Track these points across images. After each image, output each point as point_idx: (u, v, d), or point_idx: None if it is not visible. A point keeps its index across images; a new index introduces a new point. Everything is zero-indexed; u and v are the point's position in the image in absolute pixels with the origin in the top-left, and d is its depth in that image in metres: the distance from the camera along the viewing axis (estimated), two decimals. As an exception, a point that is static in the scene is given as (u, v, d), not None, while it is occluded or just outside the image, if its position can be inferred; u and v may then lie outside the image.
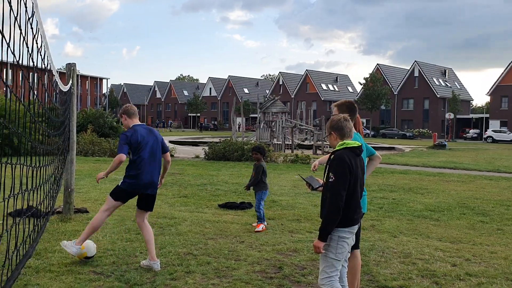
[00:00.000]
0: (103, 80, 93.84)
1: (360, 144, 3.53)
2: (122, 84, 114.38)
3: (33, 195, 3.79)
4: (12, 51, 2.14)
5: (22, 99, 2.91)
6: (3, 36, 1.93)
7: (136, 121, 5.24)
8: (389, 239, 6.62)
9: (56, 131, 6.40)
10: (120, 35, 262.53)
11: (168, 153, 5.38)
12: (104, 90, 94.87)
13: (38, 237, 3.18)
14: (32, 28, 2.79)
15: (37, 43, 3.03)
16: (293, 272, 5.08)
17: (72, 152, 7.80)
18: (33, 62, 2.98)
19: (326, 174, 3.44)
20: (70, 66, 7.59)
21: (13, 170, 2.99)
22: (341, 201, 3.29)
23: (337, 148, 3.47)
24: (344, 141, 3.48)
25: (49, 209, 4.80)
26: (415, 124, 68.51)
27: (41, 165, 3.54)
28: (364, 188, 3.69)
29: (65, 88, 6.41)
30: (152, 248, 5.09)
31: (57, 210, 7.76)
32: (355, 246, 3.86)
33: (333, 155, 3.45)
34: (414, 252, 5.94)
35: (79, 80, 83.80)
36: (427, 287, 4.71)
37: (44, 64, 3.79)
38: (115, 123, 30.38)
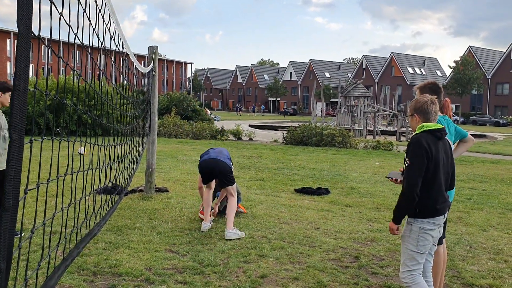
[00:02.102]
0: (188, 64, 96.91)
1: (442, 126, 3.21)
2: (205, 68, 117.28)
3: (102, 173, 3.89)
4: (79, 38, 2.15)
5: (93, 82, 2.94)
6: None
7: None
8: (478, 233, 6.13)
9: (134, 112, 6.59)
10: (204, 21, 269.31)
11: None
12: (189, 75, 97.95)
13: (108, 215, 3.24)
14: (103, 18, 2.84)
15: (109, 31, 3.09)
16: (370, 263, 4.84)
17: (153, 133, 8.03)
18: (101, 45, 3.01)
19: (404, 160, 3.20)
20: (152, 49, 7.77)
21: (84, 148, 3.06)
22: (416, 188, 3.06)
23: (416, 132, 3.21)
24: (423, 123, 3.20)
25: (120, 189, 4.94)
26: (510, 110, 63.56)
27: (107, 144, 3.60)
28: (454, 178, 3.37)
29: (144, 70, 6.56)
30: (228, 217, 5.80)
31: (139, 188, 8.07)
32: (438, 241, 3.56)
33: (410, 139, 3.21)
34: (506, 249, 5.44)
35: (166, 65, 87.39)
36: (521, 288, 4.28)
37: (119, 49, 3.86)
38: (198, 107, 31.23)
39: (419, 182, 3.07)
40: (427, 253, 3.24)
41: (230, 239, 5.44)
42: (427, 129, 3.16)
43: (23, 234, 5.16)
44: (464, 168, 12.74)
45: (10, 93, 5.14)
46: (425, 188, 3.10)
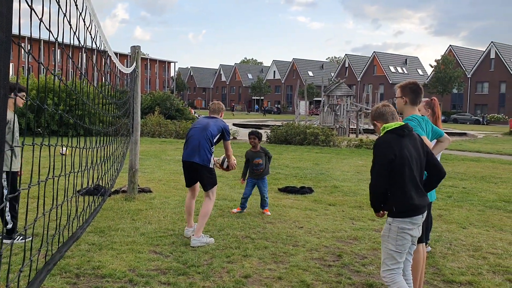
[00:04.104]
0: (171, 63, 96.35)
1: (403, 123, 3.31)
2: (189, 67, 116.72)
3: (85, 175, 3.86)
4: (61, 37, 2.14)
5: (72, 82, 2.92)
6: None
7: (212, 115, 5.95)
8: (458, 230, 6.24)
9: (117, 112, 6.54)
10: (187, 20, 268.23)
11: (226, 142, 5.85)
12: (172, 74, 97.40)
13: (91, 217, 3.22)
14: (84, 20, 2.82)
15: (90, 33, 3.08)
16: (353, 261, 4.90)
17: (136, 133, 7.99)
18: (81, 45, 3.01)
19: None
20: (135, 49, 7.73)
21: (71, 151, 3.04)
22: (378, 185, 3.22)
23: (381, 134, 3.33)
24: (384, 125, 3.32)
25: (104, 190, 4.91)
26: (489, 109, 64.71)
27: (89, 147, 3.58)
28: (442, 168, 3.44)
29: (126, 70, 6.52)
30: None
31: (122, 189, 8.02)
32: (418, 240, 3.63)
33: None
34: (485, 246, 5.55)
35: (149, 64, 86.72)
36: (499, 285, 4.37)
37: (99, 48, 3.84)
38: (181, 106, 31.08)
39: (381, 179, 3.20)
40: (406, 252, 3.30)
41: (194, 246, 5.18)
42: (389, 129, 3.28)
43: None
44: (445, 166, 12.86)
45: (23, 93, 5.09)
46: (396, 186, 3.19)
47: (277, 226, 6.20)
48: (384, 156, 3.18)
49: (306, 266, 4.68)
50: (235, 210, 6.92)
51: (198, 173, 5.53)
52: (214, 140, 5.62)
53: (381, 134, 3.34)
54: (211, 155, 5.54)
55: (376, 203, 3.36)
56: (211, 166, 5.54)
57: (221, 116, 5.97)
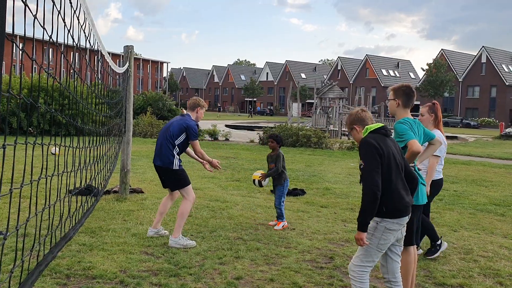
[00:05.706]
0: (164, 64, 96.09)
1: (383, 124, 3.37)
2: (181, 68, 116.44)
3: (77, 175, 3.83)
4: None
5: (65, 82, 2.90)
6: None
7: (189, 113, 5.57)
8: (449, 233, 6.27)
9: (109, 112, 6.50)
10: (180, 20, 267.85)
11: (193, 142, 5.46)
12: (165, 74, 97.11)
13: (83, 218, 3.20)
14: (78, 19, 2.81)
15: (84, 32, 3.06)
16: (345, 263, 4.90)
17: (128, 133, 7.95)
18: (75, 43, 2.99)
19: (360, 165, 3.23)
20: (128, 49, 7.70)
21: (63, 150, 3.01)
22: (376, 185, 3.04)
23: (362, 136, 3.32)
24: (366, 127, 3.34)
25: (96, 190, 4.88)
26: (480, 112, 65.19)
27: (82, 146, 3.55)
28: (416, 175, 3.48)
29: (119, 70, 6.49)
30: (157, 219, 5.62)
31: (114, 189, 7.98)
32: (409, 242, 3.64)
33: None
34: (476, 249, 5.58)
35: (141, 64, 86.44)
36: (489, 287, 4.40)
37: (93, 47, 3.82)
38: (174, 106, 31.01)
39: (378, 178, 3.07)
40: (383, 252, 3.29)
41: (171, 247, 5.15)
42: (372, 129, 3.29)
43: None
44: (436, 169, 13.00)
45: None
46: (385, 185, 3.13)
47: (269, 227, 6.19)
48: (375, 151, 3.11)
49: (298, 268, 4.67)
50: (277, 227, 6.12)
51: (164, 176, 5.40)
52: (177, 141, 5.29)
53: (364, 135, 3.30)
54: (174, 157, 5.28)
55: (374, 207, 3.07)
56: (175, 168, 5.28)
57: (197, 113, 5.50)
